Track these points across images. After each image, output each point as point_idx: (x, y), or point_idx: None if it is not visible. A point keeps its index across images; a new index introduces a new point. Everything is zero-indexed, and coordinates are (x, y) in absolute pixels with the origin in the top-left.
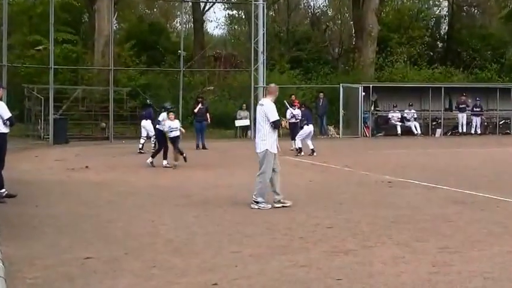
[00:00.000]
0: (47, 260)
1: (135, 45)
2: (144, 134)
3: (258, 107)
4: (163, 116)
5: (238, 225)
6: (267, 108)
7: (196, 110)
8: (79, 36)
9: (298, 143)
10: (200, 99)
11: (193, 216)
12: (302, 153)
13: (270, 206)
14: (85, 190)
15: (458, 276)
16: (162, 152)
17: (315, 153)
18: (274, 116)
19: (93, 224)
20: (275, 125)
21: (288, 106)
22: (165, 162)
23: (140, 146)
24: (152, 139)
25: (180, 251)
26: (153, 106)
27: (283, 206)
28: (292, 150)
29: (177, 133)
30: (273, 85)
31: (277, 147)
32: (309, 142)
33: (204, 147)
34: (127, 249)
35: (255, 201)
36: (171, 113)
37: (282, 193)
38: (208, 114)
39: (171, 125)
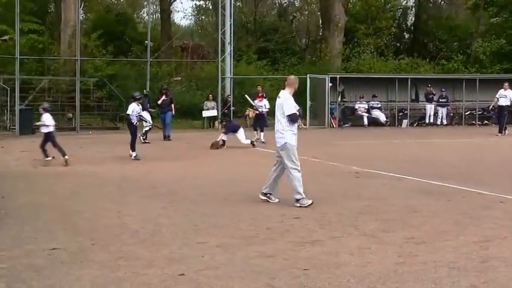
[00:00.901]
0: (13, 251)
1: (102, 35)
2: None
3: (277, 100)
4: (133, 107)
5: (205, 216)
6: (284, 101)
7: (160, 102)
8: (45, 26)
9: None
10: (164, 91)
11: (160, 207)
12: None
13: (310, 201)
14: (51, 181)
15: (424, 266)
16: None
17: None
18: (290, 109)
19: (59, 215)
20: (291, 118)
21: (249, 100)
22: (133, 153)
23: (144, 136)
24: (144, 129)
25: (146, 242)
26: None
27: (267, 201)
28: (255, 141)
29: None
30: (292, 77)
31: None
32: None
33: (168, 138)
34: (93, 240)
35: (295, 199)
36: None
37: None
38: (172, 105)
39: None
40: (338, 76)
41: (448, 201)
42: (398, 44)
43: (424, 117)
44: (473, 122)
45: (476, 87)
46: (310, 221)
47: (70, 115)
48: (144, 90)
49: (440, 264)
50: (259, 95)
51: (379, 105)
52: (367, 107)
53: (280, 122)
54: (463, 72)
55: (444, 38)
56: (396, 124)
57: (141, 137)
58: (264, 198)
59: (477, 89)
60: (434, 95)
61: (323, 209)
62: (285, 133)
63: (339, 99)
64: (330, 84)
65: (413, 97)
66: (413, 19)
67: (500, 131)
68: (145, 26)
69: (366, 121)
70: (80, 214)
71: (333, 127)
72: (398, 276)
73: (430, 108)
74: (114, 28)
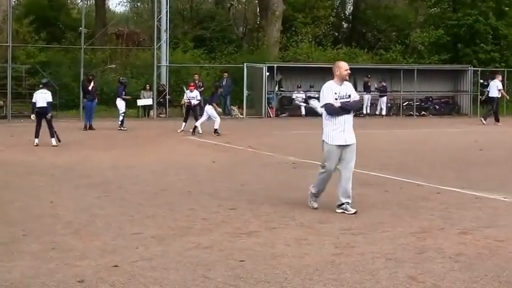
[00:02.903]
0: None
1: (34, 21)
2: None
3: None
4: (49, 95)
5: (139, 206)
6: (321, 91)
7: (90, 88)
8: None
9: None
10: (92, 77)
11: (94, 197)
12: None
13: (316, 205)
14: None
15: (361, 257)
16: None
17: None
18: (324, 99)
19: None
20: (326, 109)
21: (185, 89)
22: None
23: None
24: (120, 116)
25: (79, 232)
26: (123, 83)
27: (343, 212)
28: (179, 132)
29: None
30: (336, 62)
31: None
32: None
33: (91, 127)
34: (25, 230)
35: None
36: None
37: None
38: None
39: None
40: (275, 65)
41: (385, 192)
42: (336, 34)
43: (361, 108)
44: (411, 112)
45: (414, 77)
46: (246, 212)
47: (1, 103)
48: (120, 78)
49: (378, 256)
50: (191, 84)
51: (317, 95)
52: (304, 97)
53: (322, 115)
54: (401, 62)
55: (382, 27)
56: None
57: (122, 126)
58: (339, 211)
59: (415, 80)
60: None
61: (259, 200)
62: (324, 129)
63: (276, 88)
64: (267, 74)
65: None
66: (351, 8)
67: (497, 120)
68: (79, 12)
69: (303, 111)
70: (10, 204)
71: (270, 117)
72: (335, 268)
73: (367, 98)
74: (47, 14)
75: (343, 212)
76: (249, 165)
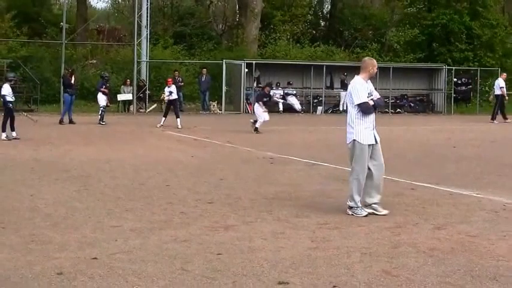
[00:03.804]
0: None
1: (16, 16)
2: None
3: (348, 88)
4: (7, 88)
5: (118, 199)
6: (353, 88)
7: (73, 81)
8: None
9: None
10: (72, 71)
11: (73, 190)
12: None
13: (365, 212)
14: None
15: (337, 251)
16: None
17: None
18: (360, 97)
19: None
20: (362, 108)
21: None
22: (4, 135)
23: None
24: (100, 110)
25: (59, 225)
26: (105, 78)
27: (373, 213)
28: (158, 126)
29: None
30: (366, 59)
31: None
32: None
33: (71, 122)
34: (4, 223)
35: (348, 206)
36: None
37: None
38: None
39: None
40: (254, 62)
41: None
42: (314, 32)
43: (338, 105)
44: (386, 110)
45: (389, 75)
46: (224, 206)
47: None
48: (102, 73)
49: (353, 250)
50: (169, 79)
51: (294, 92)
52: (282, 94)
53: (350, 113)
54: (377, 60)
55: (359, 26)
56: (311, 111)
57: (102, 121)
58: (368, 211)
59: (391, 78)
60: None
61: (237, 194)
62: (355, 127)
63: (255, 85)
64: (246, 70)
65: (328, 84)
66: (329, 7)
67: (505, 117)
68: (60, 8)
69: (281, 107)
70: None
71: (248, 112)
72: (311, 261)
73: (344, 95)
74: (29, 9)
75: (374, 212)
76: (228, 160)
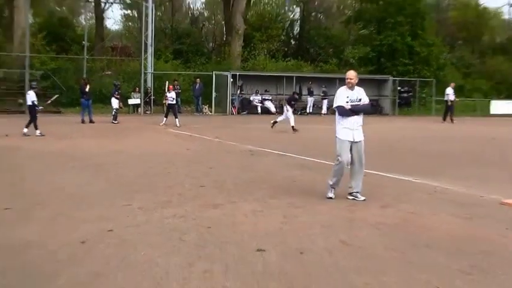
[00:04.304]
0: None
1: (47, 35)
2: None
3: None
4: (33, 94)
5: (127, 183)
6: (335, 95)
7: (87, 90)
8: (0, 28)
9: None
10: (87, 81)
11: (90, 175)
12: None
13: (330, 195)
14: (3, 154)
15: (303, 225)
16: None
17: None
18: (336, 102)
19: (9, 181)
20: (338, 110)
21: (166, 90)
22: (37, 131)
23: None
24: (113, 112)
25: (80, 204)
26: (117, 86)
27: (354, 199)
28: (161, 125)
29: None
30: (348, 72)
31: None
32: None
33: (91, 121)
34: (37, 201)
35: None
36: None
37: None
38: None
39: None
40: (238, 73)
41: (322, 175)
42: (286, 49)
43: (305, 108)
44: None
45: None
46: (213, 189)
47: (20, 101)
48: (115, 81)
49: (315, 224)
50: (170, 86)
51: (270, 98)
52: (260, 99)
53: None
54: (337, 72)
55: (322, 45)
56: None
57: (115, 120)
58: (349, 198)
59: None
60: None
61: (223, 179)
62: (336, 126)
63: (238, 92)
64: (231, 80)
65: (298, 91)
66: (298, 29)
67: (445, 119)
68: (82, 29)
69: (259, 110)
70: (26, 180)
71: (233, 114)
72: (283, 233)
73: (310, 100)
74: (57, 30)
75: (354, 199)
76: (216, 152)
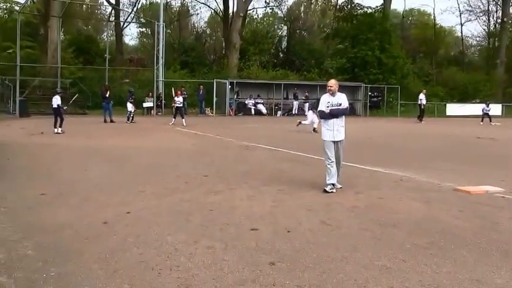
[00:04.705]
0: (14, 195)
1: (75, 50)
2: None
3: None
4: (58, 99)
5: (142, 173)
6: (319, 101)
7: (107, 95)
8: (37, 44)
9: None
10: (108, 87)
11: (114, 166)
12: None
13: (328, 188)
14: (40, 149)
15: (290, 209)
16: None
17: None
18: (319, 107)
19: (45, 172)
20: (319, 114)
21: (173, 95)
22: (59, 130)
23: (130, 118)
24: (127, 114)
25: (103, 191)
26: (131, 92)
27: (332, 188)
28: (170, 124)
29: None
30: (330, 81)
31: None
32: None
33: (112, 121)
34: (68, 188)
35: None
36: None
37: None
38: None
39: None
40: (235, 81)
41: (306, 166)
42: (275, 60)
43: (291, 110)
44: None
45: (325, 90)
46: (215, 178)
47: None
48: (130, 88)
49: (300, 207)
50: (178, 92)
51: (262, 101)
52: (254, 102)
53: None
54: (317, 80)
55: (306, 57)
56: (273, 114)
57: (128, 120)
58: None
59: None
60: (298, 96)
61: (223, 170)
62: (321, 128)
63: (235, 96)
64: (229, 87)
65: (285, 96)
66: (285, 44)
67: (420, 120)
68: (105, 45)
69: (253, 112)
70: (59, 171)
71: (231, 115)
72: (273, 215)
73: (295, 104)
74: (83, 45)
75: (332, 188)
76: (217, 147)
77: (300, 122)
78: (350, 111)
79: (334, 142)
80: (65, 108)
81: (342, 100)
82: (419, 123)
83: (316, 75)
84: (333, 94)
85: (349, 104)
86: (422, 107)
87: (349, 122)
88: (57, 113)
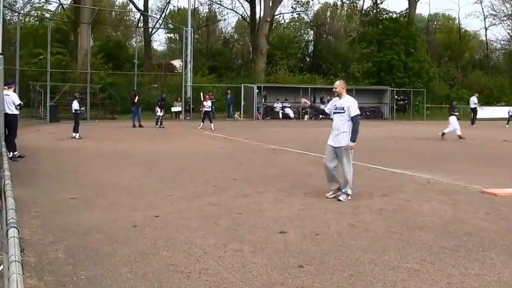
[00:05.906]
0: (44, 199)
1: (104, 56)
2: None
3: None
4: (76, 104)
5: (171, 177)
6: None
7: (136, 100)
8: (67, 50)
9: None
10: (136, 93)
11: (141, 171)
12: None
13: (329, 193)
14: (69, 153)
15: (317, 211)
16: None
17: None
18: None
19: (74, 176)
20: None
21: (202, 99)
22: (77, 134)
23: (159, 122)
24: (157, 117)
25: (132, 194)
26: (162, 97)
27: (335, 197)
28: (198, 129)
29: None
30: (336, 82)
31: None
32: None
33: (140, 126)
34: (97, 192)
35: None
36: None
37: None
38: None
39: (77, 107)
40: (262, 85)
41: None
42: (302, 65)
43: (318, 114)
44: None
45: (353, 94)
46: (242, 181)
47: (83, 109)
48: (162, 94)
49: (328, 210)
50: (206, 96)
51: (289, 105)
52: (281, 106)
53: None
54: None
55: (332, 61)
56: (300, 118)
57: (157, 125)
58: (331, 193)
59: (354, 95)
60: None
61: (251, 174)
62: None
63: (263, 100)
64: (257, 91)
65: (312, 100)
66: (312, 48)
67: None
68: (133, 50)
69: (280, 116)
70: (88, 175)
71: (259, 119)
72: (300, 218)
73: (323, 107)
74: (112, 51)
75: (336, 196)
76: (245, 150)
77: (443, 133)
78: (377, 115)
79: (334, 148)
80: (82, 109)
81: (346, 105)
82: (472, 127)
83: (343, 79)
84: (339, 96)
85: (376, 107)
86: (478, 110)
87: (376, 126)
88: (75, 117)
